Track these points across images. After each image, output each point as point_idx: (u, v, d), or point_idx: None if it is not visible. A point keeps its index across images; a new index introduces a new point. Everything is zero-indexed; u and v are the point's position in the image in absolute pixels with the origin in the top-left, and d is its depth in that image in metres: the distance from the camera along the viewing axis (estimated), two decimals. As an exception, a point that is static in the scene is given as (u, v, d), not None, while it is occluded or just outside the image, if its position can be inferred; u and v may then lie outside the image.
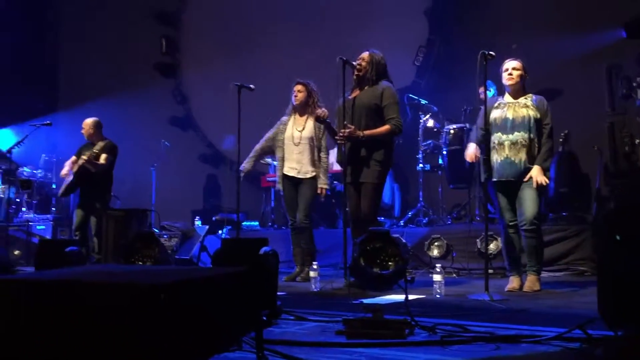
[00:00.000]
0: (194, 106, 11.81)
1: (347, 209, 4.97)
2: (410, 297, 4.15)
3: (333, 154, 7.09)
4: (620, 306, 2.12)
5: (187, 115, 11.79)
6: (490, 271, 5.91)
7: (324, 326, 2.86)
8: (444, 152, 7.45)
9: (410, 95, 8.11)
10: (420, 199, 7.59)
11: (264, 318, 2.29)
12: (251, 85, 5.42)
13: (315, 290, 4.62)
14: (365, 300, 3.78)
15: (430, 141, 7.70)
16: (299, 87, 5.61)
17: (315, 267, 4.75)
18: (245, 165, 5.69)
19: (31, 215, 9.09)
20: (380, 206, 5.21)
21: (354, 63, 4.86)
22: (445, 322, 2.81)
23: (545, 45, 7.62)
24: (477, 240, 6.16)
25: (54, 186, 10.05)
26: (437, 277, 4.22)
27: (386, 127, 4.82)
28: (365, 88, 4.95)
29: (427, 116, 7.90)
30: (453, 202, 8.06)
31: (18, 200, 9.88)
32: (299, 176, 5.53)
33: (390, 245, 4.12)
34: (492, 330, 2.65)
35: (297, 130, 5.58)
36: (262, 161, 8.38)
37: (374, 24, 9.65)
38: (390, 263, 4.06)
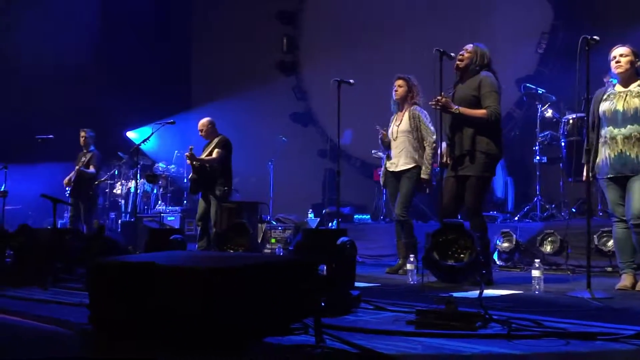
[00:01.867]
0: (313, 102, 12.14)
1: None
2: (507, 292, 4.07)
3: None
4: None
5: (307, 111, 12.14)
6: (609, 269, 5.65)
7: (398, 316, 2.90)
8: (562, 144, 7.09)
9: (528, 84, 7.79)
10: (537, 192, 7.28)
11: (322, 304, 2.39)
12: (351, 81, 5.51)
13: (411, 283, 4.64)
14: (456, 294, 3.75)
15: (547, 132, 7.35)
16: (399, 82, 5.64)
17: (412, 259, 4.76)
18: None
19: (163, 207, 9.85)
20: (485, 200, 5.04)
21: (452, 54, 4.78)
22: (523, 317, 2.74)
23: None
24: (595, 236, 5.82)
25: (185, 180, 10.82)
26: (535, 273, 4.08)
27: (482, 111, 4.66)
28: (467, 81, 4.84)
29: (546, 106, 7.54)
30: (576, 195, 7.64)
31: (155, 193, 10.78)
32: (397, 169, 5.57)
33: (464, 237, 4.03)
34: (571, 327, 2.55)
35: (396, 125, 5.64)
36: (374, 155, 8.49)
37: (494, 11, 9.37)
38: (462, 255, 3.98)
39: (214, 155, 6.72)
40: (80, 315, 2.58)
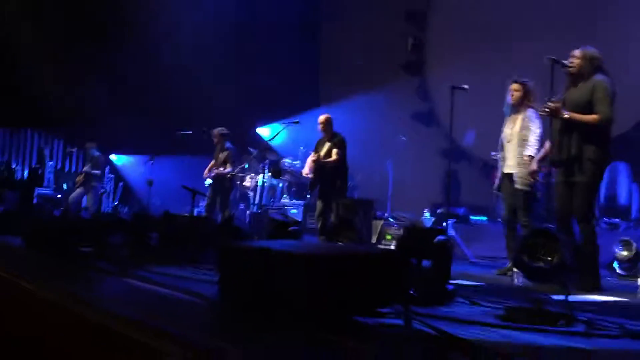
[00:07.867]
0: (437, 102, 12.23)
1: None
2: (609, 298, 4.11)
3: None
4: None
5: (430, 112, 12.27)
6: None
7: (489, 311, 3.11)
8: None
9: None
10: (666, 200, 7.02)
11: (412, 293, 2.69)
12: (465, 86, 5.70)
13: (517, 284, 4.75)
14: (554, 296, 3.87)
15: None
16: (515, 86, 5.72)
17: (517, 262, 4.88)
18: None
19: (287, 201, 10.49)
20: (594, 206, 5.03)
21: (565, 62, 4.81)
22: (610, 319, 2.86)
23: None
24: None
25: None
26: (641, 281, 4.08)
27: (593, 116, 4.64)
28: (579, 85, 4.84)
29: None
30: None
31: (280, 187, 11.47)
32: (512, 171, 5.68)
33: (551, 241, 4.16)
34: (654, 332, 2.65)
35: (509, 129, 5.73)
36: (493, 157, 8.53)
37: (635, 7, 9.04)
38: (549, 258, 4.08)
39: (334, 156, 7.21)
40: (212, 290, 3.08)
